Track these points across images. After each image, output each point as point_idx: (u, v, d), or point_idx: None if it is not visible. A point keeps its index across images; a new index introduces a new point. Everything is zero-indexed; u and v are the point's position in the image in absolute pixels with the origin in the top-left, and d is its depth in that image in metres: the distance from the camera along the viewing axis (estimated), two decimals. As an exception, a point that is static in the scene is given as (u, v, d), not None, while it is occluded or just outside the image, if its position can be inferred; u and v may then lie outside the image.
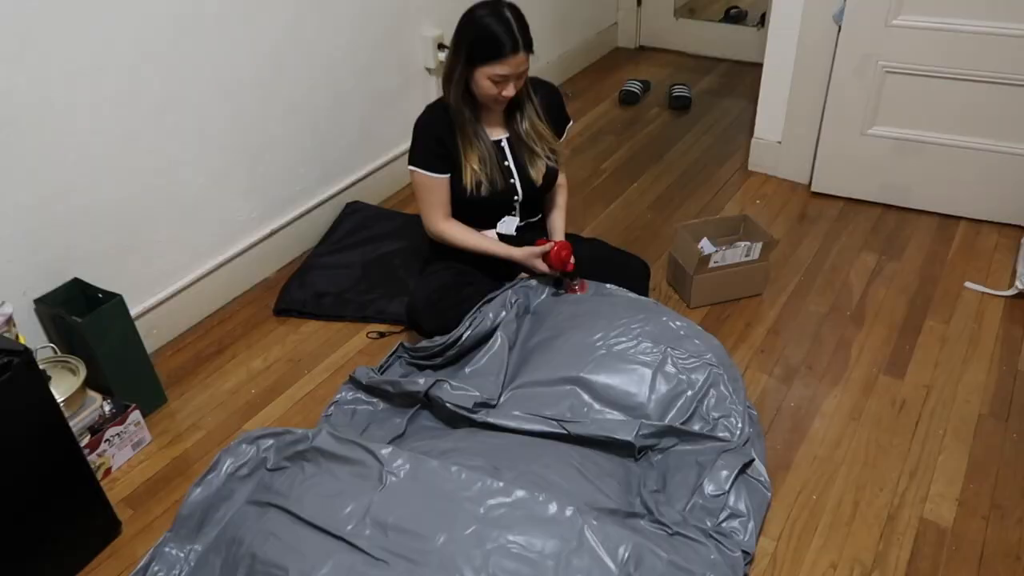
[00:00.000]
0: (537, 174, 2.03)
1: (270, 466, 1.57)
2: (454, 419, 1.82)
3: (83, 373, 1.80)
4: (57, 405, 1.53)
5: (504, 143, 2.01)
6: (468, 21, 1.83)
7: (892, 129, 2.54)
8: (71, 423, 1.75)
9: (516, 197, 2.05)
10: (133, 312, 2.07)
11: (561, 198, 2.19)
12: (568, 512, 1.38)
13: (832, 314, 2.19)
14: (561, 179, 2.18)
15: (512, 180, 2.02)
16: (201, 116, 2.14)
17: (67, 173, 1.88)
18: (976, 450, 1.76)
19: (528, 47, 1.81)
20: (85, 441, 1.78)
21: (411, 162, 1.99)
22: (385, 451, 1.49)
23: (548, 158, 2.04)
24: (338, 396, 1.98)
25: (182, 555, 1.51)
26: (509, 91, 1.82)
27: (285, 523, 1.40)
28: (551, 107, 2.06)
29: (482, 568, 1.29)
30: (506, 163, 2.01)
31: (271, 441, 1.62)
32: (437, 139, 1.94)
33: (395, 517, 1.37)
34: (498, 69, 1.81)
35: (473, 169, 1.95)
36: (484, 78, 1.84)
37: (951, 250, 2.42)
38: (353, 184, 2.72)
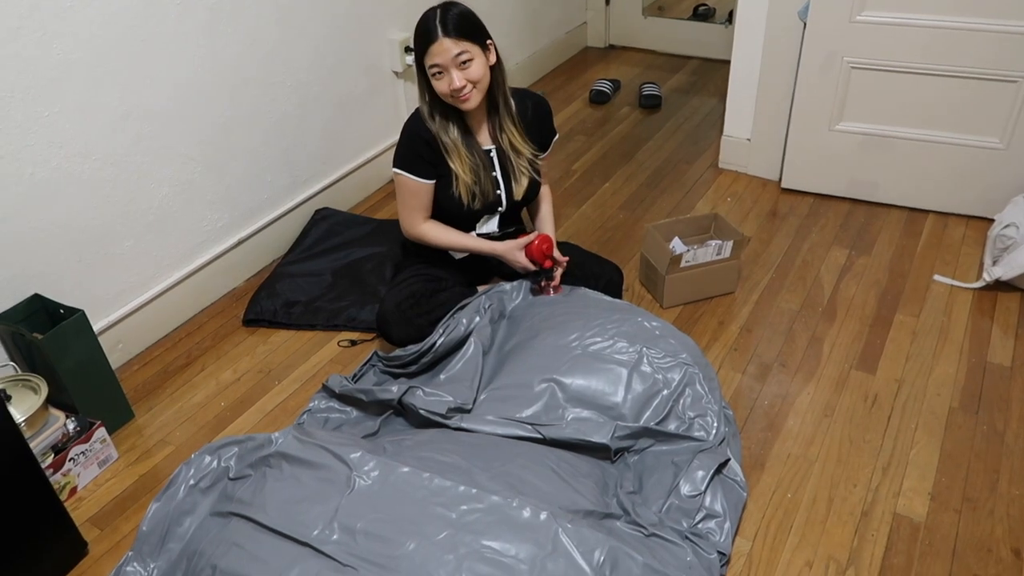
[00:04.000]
0: (519, 188, 2.01)
1: (232, 475, 1.55)
2: (427, 425, 1.80)
3: (45, 391, 1.76)
4: (16, 427, 1.49)
5: (493, 153, 1.99)
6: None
7: (859, 125, 2.56)
8: (34, 443, 1.71)
9: (500, 208, 2.03)
10: (98, 326, 2.03)
11: (546, 206, 2.17)
12: (542, 516, 1.37)
13: (804, 310, 2.20)
14: (544, 190, 2.16)
15: (499, 191, 2.00)
16: (163, 126, 2.10)
17: (24, 187, 1.83)
18: (947, 444, 1.77)
19: (455, 33, 1.77)
20: (49, 461, 1.74)
21: (396, 164, 1.96)
22: (354, 455, 1.47)
23: (530, 171, 2.02)
24: (311, 405, 1.95)
25: (145, 573, 1.48)
26: (455, 83, 1.79)
27: (248, 532, 1.37)
28: (536, 119, 2.03)
29: (455, 573, 1.28)
30: (494, 173, 1.99)
31: (234, 449, 1.60)
32: (426, 143, 1.92)
33: (364, 522, 1.35)
34: (430, 59, 1.80)
35: (466, 181, 1.93)
36: (430, 75, 1.82)
37: (920, 244, 2.44)
38: (322, 191, 2.69)
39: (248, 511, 1.41)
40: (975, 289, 2.22)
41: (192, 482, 1.58)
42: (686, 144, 3.13)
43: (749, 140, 2.84)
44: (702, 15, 4.10)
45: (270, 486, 1.45)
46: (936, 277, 2.28)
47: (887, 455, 1.75)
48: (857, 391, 1.93)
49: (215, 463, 1.60)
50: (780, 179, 2.78)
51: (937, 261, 2.35)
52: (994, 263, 2.19)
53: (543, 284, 2.03)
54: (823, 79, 2.52)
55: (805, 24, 2.47)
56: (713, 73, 3.71)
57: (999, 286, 2.21)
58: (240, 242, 2.42)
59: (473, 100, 1.84)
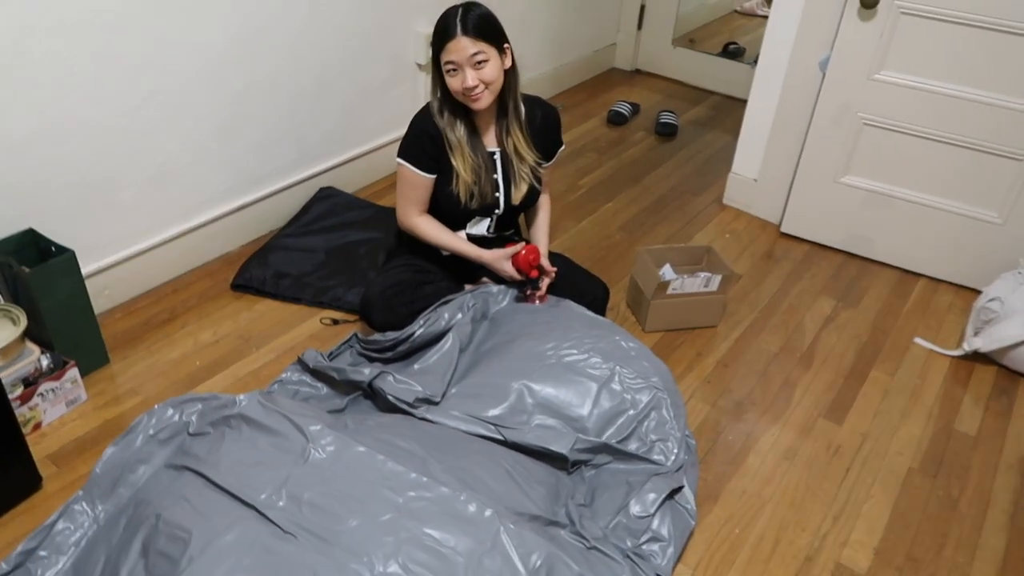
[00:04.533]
0: (518, 193, 2.03)
1: (192, 431, 1.56)
2: (394, 412, 1.82)
3: (23, 324, 1.78)
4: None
5: (497, 156, 2.01)
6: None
7: (864, 180, 2.58)
8: (5, 372, 1.74)
9: (497, 210, 2.06)
10: (87, 270, 2.06)
11: (543, 215, 2.19)
12: (487, 513, 1.38)
13: (782, 354, 2.22)
14: (544, 199, 2.18)
15: (497, 194, 2.03)
16: (179, 83, 2.13)
17: (34, 123, 1.86)
18: (901, 502, 1.78)
19: (474, 33, 1.79)
20: (17, 393, 1.76)
21: (400, 155, 1.99)
22: (314, 427, 1.49)
23: (531, 178, 2.04)
24: (283, 375, 1.97)
25: (91, 514, 1.50)
26: (468, 82, 1.82)
27: (198, 487, 1.39)
28: (545, 127, 2.05)
29: (392, 555, 1.29)
30: (495, 176, 2.01)
31: (197, 406, 1.62)
32: (431, 138, 1.94)
33: (312, 494, 1.37)
34: (446, 55, 1.82)
35: (466, 181, 1.96)
36: (444, 72, 1.85)
37: (907, 305, 2.46)
38: (329, 170, 2.71)
39: (201, 467, 1.43)
40: (953, 357, 2.24)
41: (151, 432, 1.60)
42: (694, 176, 3.16)
43: (755, 180, 2.87)
44: (731, 53, 4.14)
45: (226, 446, 1.47)
46: (917, 340, 2.29)
47: (840, 505, 1.76)
48: (821, 439, 1.94)
49: (177, 416, 1.62)
50: (780, 223, 2.80)
51: (921, 324, 2.37)
52: (975, 334, 2.21)
53: (528, 293, 2.05)
54: (835, 131, 2.54)
55: (824, 74, 2.50)
56: (733, 111, 3.74)
57: (977, 357, 2.23)
58: (240, 208, 2.45)
59: (484, 100, 1.87)
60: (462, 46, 1.80)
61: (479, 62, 1.82)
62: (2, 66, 1.75)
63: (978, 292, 2.43)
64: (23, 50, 1.78)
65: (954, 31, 2.25)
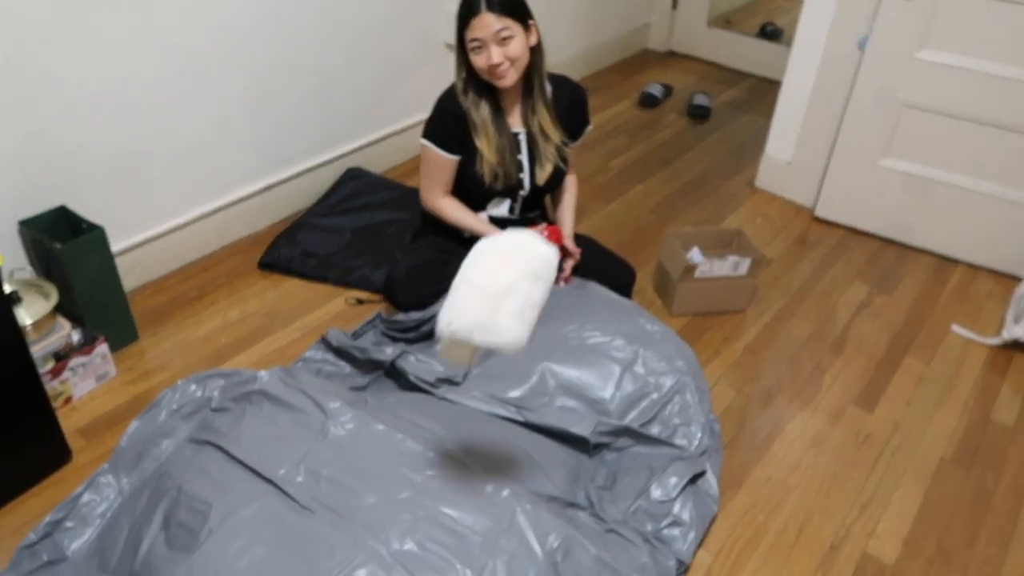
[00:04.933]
0: (543, 173, 2.01)
1: (214, 406, 1.58)
2: (415, 392, 1.82)
3: (55, 299, 1.81)
4: (19, 329, 1.53)
5: (522, 136, 1.99)
6: None
7: (904, 163, 2.50)
8: (37, 346, 1.77)
9: (522, 191, 2.04)
10: (118, 247, 2.09)
11: (569, 196, 2.16)
12: (504, 493, 1.38)
13: (813, 340, 2.17)
14: (570, 180, 2.15)
15: (522, 175, 2.01)
16: (206, 63, 2.14)
17: (65, 102, 1.89)
18: (932, 493, 1.73)
19: (499, 8, 1.77)
20: (49, 367, 1.79)
21: (425, 135, 1.98)
22: (333, 404, 1.50)
23: (556, 158, 2.01)
24: (307, 354, 1.98)
25: (116, 486, 1.52)
26: (493, 59, 1.79)
27: (218, 461, 1.41)
28: (571, 107, 2.02)
29: (408, 533, 1.29)
30: (519, 157, 1.99)
31: (220, 382, 1.64)
32: (455, 118, 1.93)
33: (330, 469, 1.38)
34: (471, 32, 1.80)
35: (490, 161, 1.94)
36: (469, 50, 1.83)
37: (944, 292, 2.39)
38: (357, 150, 2.72)
39: (222, 441, 1.44)
40: (992, 345, 2.17)
41: (175, 407, 1.62)
42: (727, 159, 3.10)
43: (789, 163, 2.80)
44: (768, 34, 4.04)
45: (247, 421, 1.48)
46: (954, 328, 2.22)
47: (868, 494, 1.72)
48: (850, 427, 1.89)
49: (200, 392, 1.64)
50: (815, 207, 2.73)
51: (959, 312, 2.30)
52: (1016, 322, 2.13)
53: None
54: (874, 112, 2.47)
55: (863, 54, 2.42)
56: (768, 93, 3.64)
57: (1017, 346, 2.15)
58: (268, 187, 2.46)
59: (510, 78, 1.84)
60: (487, 22, 1.78)
61: (504, 38, 1.79)
62: (32, 45, 1.78)
63: (1019, 279, 2.34)
64: (56, 28, 1.80)
65: (1001, 7, 2.16)
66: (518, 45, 1.81)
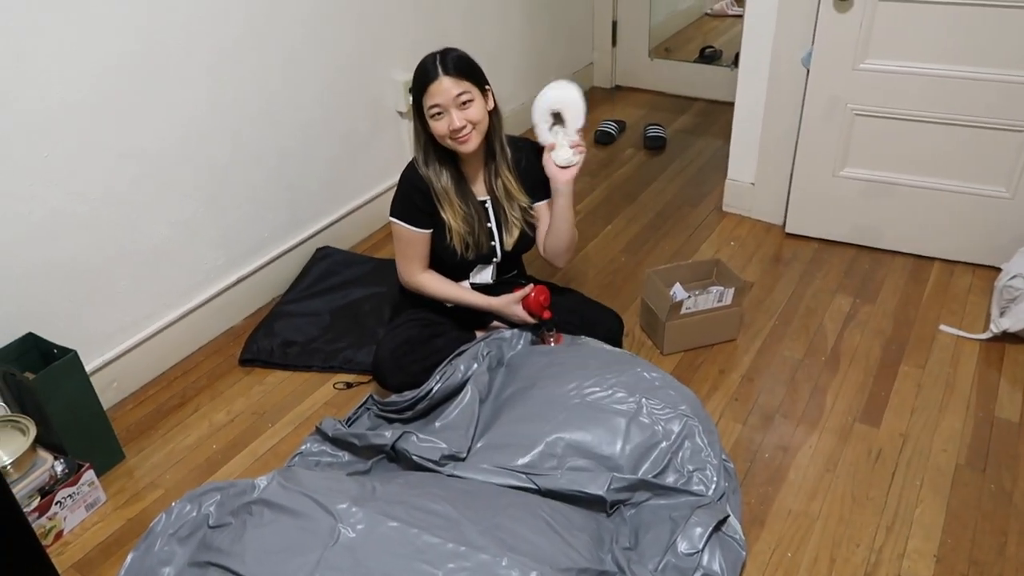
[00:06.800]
0: (510, 239, 1.99)
1: (212, 523, 1.51)
2: (421, 470, 1.77)
3: (33, 433, 1.73)
4: (-3, 473, 1.46)
5: (488, 203, 1.97)
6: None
7: (863, 171, 2.54)
8: (19, 485, 1.69)
9: (495, 259, 2.02)
10: (92, 365, 2.02)
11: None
12: (532, 578, 1.32)
13: (807, 359, 2.17)
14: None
15: (493, 243, 1.99)
16: (162, 166, 2.11)
17: (22, 227, 1.83)
18: (953, 503, 1.72)
19: (455, 73, 1.77)
20: (34, 504, 1.71)
21: (393, 214, 1.95)
22: (341, 505, 1.44)
23: (522, 222, 1.98)
24: (303, 447, 1.92)
25: (123, 630, 1.44)
26: (455, 123, 1.78)
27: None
28: (530, 166, 1.98)
29: (439, 638, 1.24)
30: (489, 224, 1.97)
31: (216, 496, 1.57)
32: (422, 193, 1.91)
33: (347, 574, 1.31)
34: (430, 99, 1.79)
35: (459, 231, 1.92)
36: (428, 117, 1.82)
37: (925, 292, 2.41)
38: (323, 229, 2.68)
39: (225, 560, 1.37)
40: (982, 340, 2.18)
41: (171, 531, 1.55)
42: (690, 186, 3.12)
43: (753, 184, 2.83)
44: (708, 57, 4.13)
45: (249, 534, 1.42)
46: (942, 327, 2.24)
47: (891, 513, 1.70)
48: (860, 445, 1.88)
49: (195, 511, 1.57)
50: (784, 223, 2.76)
51: (943, 310, 2.32)
52: (1001, 314, 2.16)
53: (544, 335, 2.00)
54: (827, 125, 2.51)
55: (808, 70, 2.47)
56: (718, 115, 3.71)
57: (1007, 337, 2.17)
58: (239, 280, 2.41)
59: (472, 142, 1.83)
60: (445, 87, 1.77)
61: (464, 102, 1.79)
62: (-17, 174, 1.73)
63: (995, 269, 2.38)
64: (4, 155, 1.75)
65: (934, 11, 2.22)
66: (478, 108, 1.81)
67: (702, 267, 2.33)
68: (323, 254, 2.64)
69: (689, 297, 2.15)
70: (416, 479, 1.70)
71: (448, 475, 1.71)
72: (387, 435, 1.81)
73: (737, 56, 3.42)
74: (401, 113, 2.85)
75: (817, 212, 2.67)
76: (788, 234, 2.74)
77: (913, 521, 1.68)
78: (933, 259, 2.55)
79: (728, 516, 1.63)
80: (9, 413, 1.81)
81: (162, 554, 1.54)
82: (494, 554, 1.38)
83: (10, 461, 1.68)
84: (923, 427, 1.92)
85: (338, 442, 1.91)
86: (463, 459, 1.76)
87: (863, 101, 2.43)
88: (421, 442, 1.77)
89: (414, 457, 1.75)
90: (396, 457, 1.84)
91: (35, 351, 1.88)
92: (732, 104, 2.78)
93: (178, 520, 1.60)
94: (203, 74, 2.14)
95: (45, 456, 1.78)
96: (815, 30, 2.39)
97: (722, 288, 2.17)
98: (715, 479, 1.70)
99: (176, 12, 2.03)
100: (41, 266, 1.90)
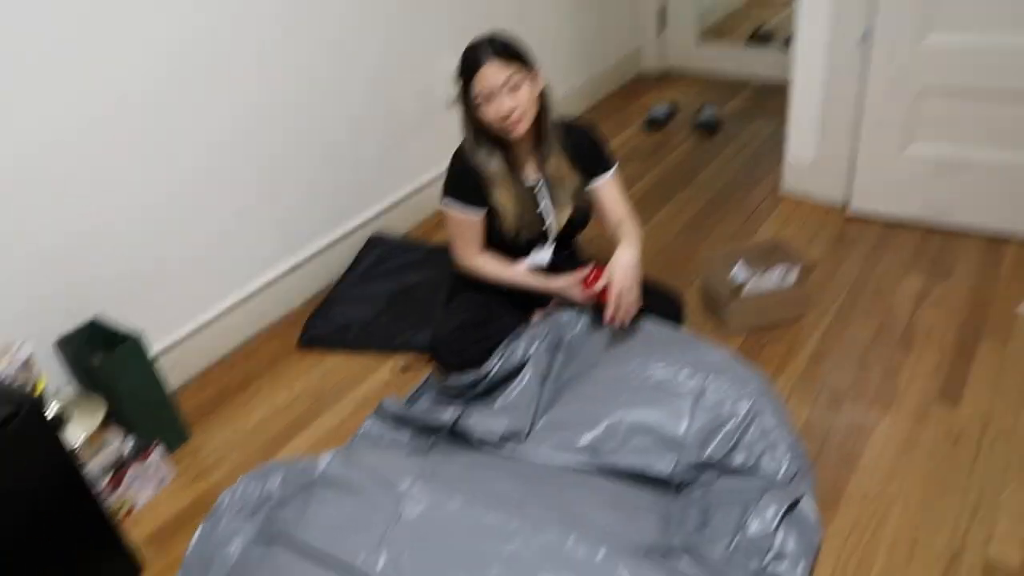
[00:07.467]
0: (563, 217, 1.96)
1: (276, 500, 1.52)
2: (482, 449, 1.75)
3: (103, 412, 1.77)
4: (69, 452, 1.48)
5: (539, 187, 1.95)
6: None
7: (933, 148, 2.44)
8: (91, 462, 1.72)
9: (549, 240, 1.99)
10: (156, 348, 2.05)
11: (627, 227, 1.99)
12: (599, 556, 1.30)
13: (878, 339, 2.09)
14: (620, 221, 1.99)
15: (545, 225, 1.96)
16: (217, 157, 2.13)
17: (87, 216, 1.87)
18: (1042, 485, 1.64)
19: (504, 56, 1.74)
20: (106, 480, 1.74)
21: (445, 197, 1.93)
22: (404, 482, 1.43)
23: (575, 201, 1.95)
24: (363, 428, 1.93)
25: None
26: (504, 106, 1.74)
27: (289, 562, 1.33)
28: (580, 147, 1.94)
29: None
30: (541, 206, 1.95)
31: (280, 474, 1.58)
32: (472, 175, 1.89)
33: (412, 552, 1.31)
34: (478, 85, 1.75)
35: (512, 213, 1.89)
36: (477, 104, 1.78)
37: (1001, 271, 2.31)
38: (376, 216, 2.69)
39: (292, 530, 1.38)
40: (1064, 319, 2.08)
41: (236, 508, 1.56)
42: (745, 169, 3.05)
43: (812, 165, 2.75)
44: (761, 37, 4.04)
45: (313, 510, 1.42)
46: (1022, 308, 2.14)
47: (975, 496, 1.63)
48: (939, 426, 1.81)
49: (259, 488, 1.58)
50: (846, 205, 2.67)
51: (1023, 290, 2.21)
52: (1085, 292, 2.05)
53: (605, 314, 1.97)
54: (890, 102, 2.42)
55: (869, 46, 2.38)
56: (772, 97, 3.62)
57: (1091, 317, 2.07)
58: (294, 268, 2.43)
59: (522, 126, 1.80)
60: (494, 71, 1.74)
61: (513, 86, 1.76)
62: (47, 166, 1.77)
63: (1077, 247, 2.27)
64: (63, 147, 1.79)
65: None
66: (527, 92, 1.78)
67: (763, 248, 2.27)
68: (375, 242, 2.64)
69: (751, 279, 2.09)
70: (478, 461, 1.68)
71: (508, 456, 1.69)
72: (447, 414, 1.80)
73: (790, 36, 3.33)
74: (449, 99, 2.83)
75: (882, 192, 2.58)
76: (849, 215, 2.65)
77: (999, 505, 1.60)
78: (1009, 239, 2.44)
79: (802, 496, 1.58)
80: (80, 394, 1.85)
81: (228, 530, 1.56)
82: (560, 532, 1.36)
83: (82, 439, 1.71)
84: (1006, 407, 1.83)
85: (400, 421, 1.91)
86: (523, 439, 1.74)
87: (928, 76, 2.33)
88: (481, 422, 1.76)
89: (475, 437, 1.73)
90: (456, 437, 1.82)
91: (100, 335, 1.91)
92: (785, 86, 2.70)
93: (243, 497, 1.61)
94: (252, 63, 2.16)
95: (115, 435, 1.81)
96: (878, 4, 2.30)
97: (786, 268, 2.11)
98: (785, 460, 1.65)
99: (226, 6, 2.05)
100: (107, 254, 1.93)
